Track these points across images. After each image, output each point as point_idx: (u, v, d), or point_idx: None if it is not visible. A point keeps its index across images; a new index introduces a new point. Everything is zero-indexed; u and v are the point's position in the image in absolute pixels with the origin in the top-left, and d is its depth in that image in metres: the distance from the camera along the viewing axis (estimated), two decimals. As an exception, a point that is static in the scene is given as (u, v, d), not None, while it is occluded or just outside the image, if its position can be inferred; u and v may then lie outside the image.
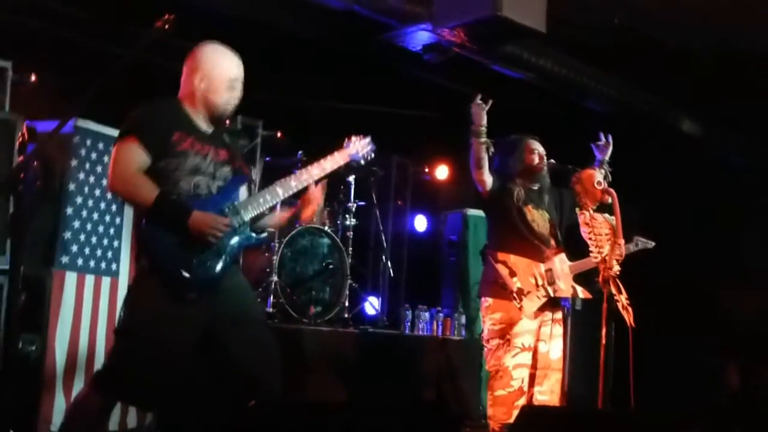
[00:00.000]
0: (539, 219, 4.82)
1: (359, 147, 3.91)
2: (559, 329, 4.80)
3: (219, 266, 3.40)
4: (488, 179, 4.72)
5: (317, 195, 3.71)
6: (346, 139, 3.92)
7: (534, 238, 4.76)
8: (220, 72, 3.52)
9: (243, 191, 3.61)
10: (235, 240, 3.47)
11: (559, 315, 4.80)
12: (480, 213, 5.37)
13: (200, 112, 3.54)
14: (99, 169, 5.22)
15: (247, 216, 3.52)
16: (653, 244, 5.57)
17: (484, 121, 4.57)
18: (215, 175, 3.49)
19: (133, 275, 3.87)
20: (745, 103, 8.36)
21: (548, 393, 4.72)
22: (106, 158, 5.24)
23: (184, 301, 3.32)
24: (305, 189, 3.70)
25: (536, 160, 4.84)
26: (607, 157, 4.79)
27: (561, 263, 4.78)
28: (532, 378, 4.70)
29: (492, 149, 4.68)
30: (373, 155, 3.98)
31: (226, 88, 3.52)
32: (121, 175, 3.34)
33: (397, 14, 6.38)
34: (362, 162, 3.99)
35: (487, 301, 4.74)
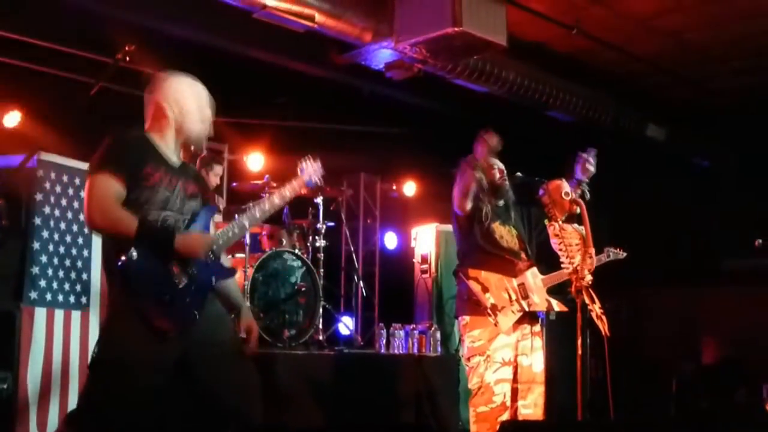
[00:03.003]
0: (507, 235, 4.86)
1: (311, 172, 3.91)
2: (539, 342, 4.81)
3: (197, 300, 3.37)
4: (469, 205, 4.80)
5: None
6: (299, 165, 3.91)
7: (503, 253, 4.79)
8: (192, 101, 3.49)
9: (212, 221, 3.58)
10: (209, 274, 3.45)
11: (537, 328, 4.82)
12: (450, 228, 5.37)
13: (170, 144, 3.50)
14: (64, 202, 5.16)
15: (219, 251, 3.51)
16: (625, 254, 5.58)
17: (484, 158, 4.66)
18: (183, 209, 3.46)
19: (106, 308, 3.81)
20: (704, 105, 8.49)
21: (532, 406, 4.72)
22: (70, 191, 5.19)
23: (164, 336, 3.26)
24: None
25: (497, 175, 4.89)
26: (586, 179, 4.79)
27: (533, 277, 4.80)
28: (515, 392, 4.71)
29: (484, 182, 4.78)
30: (321, 178, 3.99)
31: (201, 117, 3.50)
32: (100, 209, 3.24)
33: (358, 33, 6.39)
34: (314, 186, 4.03)
35: (464, 320, 4.75)
